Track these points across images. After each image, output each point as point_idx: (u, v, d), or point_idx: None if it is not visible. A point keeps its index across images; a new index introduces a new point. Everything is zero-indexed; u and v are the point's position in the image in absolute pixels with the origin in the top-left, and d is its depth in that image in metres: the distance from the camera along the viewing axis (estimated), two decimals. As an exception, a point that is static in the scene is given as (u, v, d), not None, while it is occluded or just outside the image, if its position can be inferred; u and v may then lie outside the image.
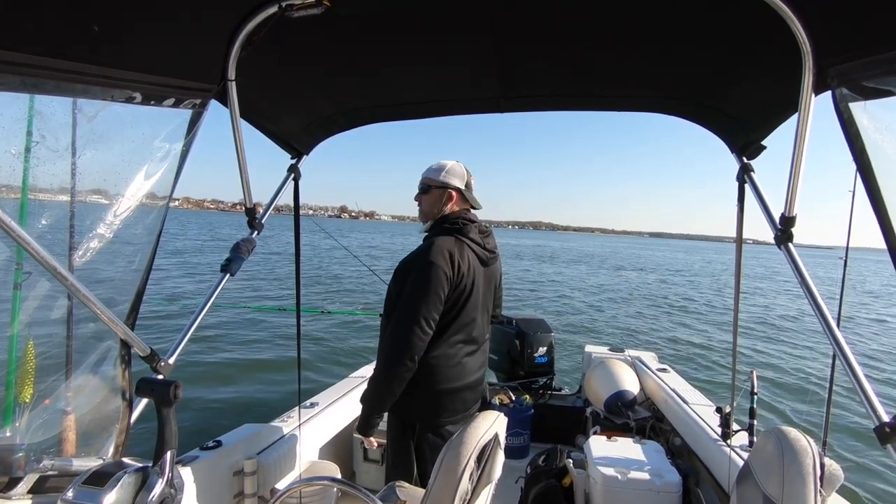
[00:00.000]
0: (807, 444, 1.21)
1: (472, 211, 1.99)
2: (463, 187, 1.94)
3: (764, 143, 1.62)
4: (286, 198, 2.03)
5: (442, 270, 1.74)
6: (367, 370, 3.12)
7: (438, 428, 1.85)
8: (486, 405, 3.05)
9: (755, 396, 2.28)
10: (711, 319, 13.83)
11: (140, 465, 1.04)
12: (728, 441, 2.13)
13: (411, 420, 1.88)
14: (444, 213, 1.93)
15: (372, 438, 1.87)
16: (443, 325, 1.79)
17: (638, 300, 17.23)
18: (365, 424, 1.82)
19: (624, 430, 2.94)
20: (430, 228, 1.94)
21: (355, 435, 2.39)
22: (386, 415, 1.91)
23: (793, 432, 1.25)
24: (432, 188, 1.95)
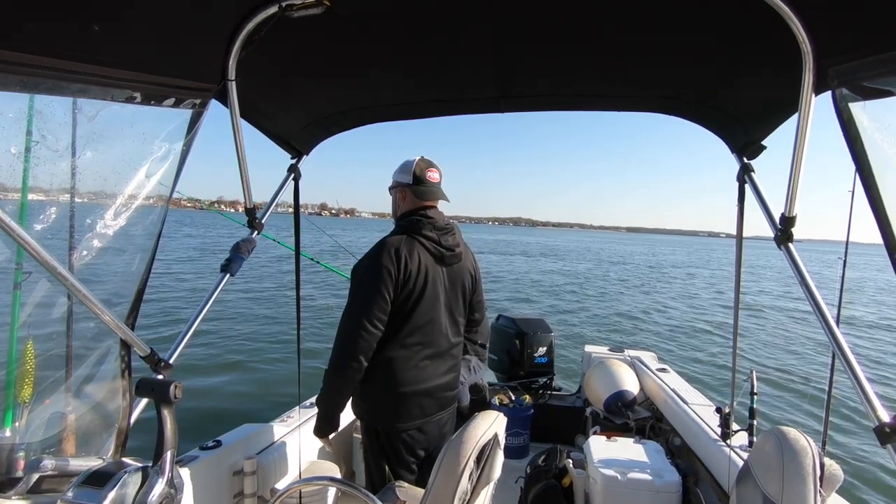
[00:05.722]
0: (806, 444, 1.21)
1: (439, 205, 1.92)
2: (410, 182, 1.86)
3: (764, 143, 1.62)
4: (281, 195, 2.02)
5: (385, 269, 1.69)
6: None
7: (399, 433, 1.79)
8: (486, 405, 3.06)
9: (755, 396, 2.28)
10: (710, 318, 13.83)
11: (140, 464, 1.04)
12: (728, 441, 2.13)
13: (373, 424, 1.85)
14: (403, 211, 1.90)
15: (327, 440, 1.85)
16: (395, 325, 1.74)
17: (633, 297, 17.23)
18: (319, 426, 1.80)
19: (624, 430, 2.93)
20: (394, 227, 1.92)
21: (355, 435, 2.39)
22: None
23: (792, 432, 1.25)
24: (391, 189, 1.97)
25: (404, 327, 1.76)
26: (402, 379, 1.76)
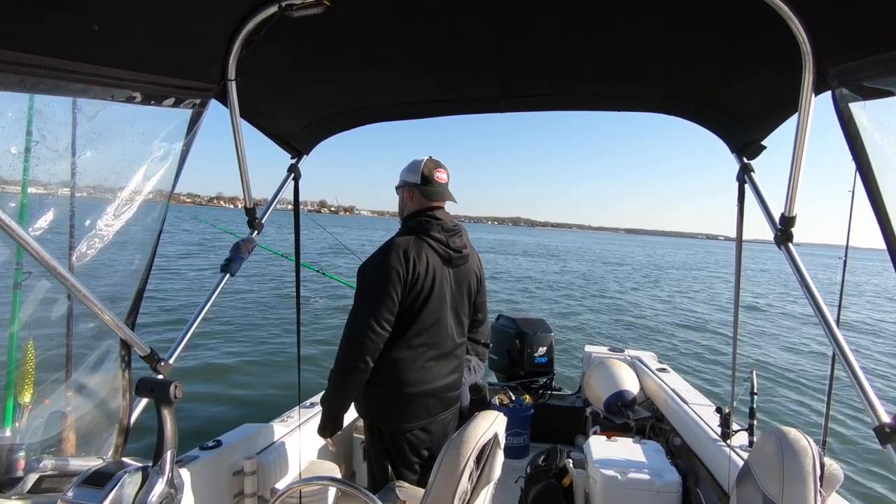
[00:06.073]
0: (806, 444, 1.21)
1: (446, 206, 1.91)
2: (418, 182, 1.86)
3: (764, 143, 1.62)
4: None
5: (394, 270, 1.69)
6: None
7: (404, 433, 1.80)
8: (486, 405, 3.06)
9: (755, 396, 2.28)
10: (710, 318, 13.83)
11: (140, 464, 1.04)
12: (728, 441, 2.13)
13: (377, 424, 1.85)
14: (410, 211, 1.89)
15: (330, 440, 1.85)
16: (402, 326, 1.74)
17: (633, 297, 17.23)
18: (323, 426, 1.80)
19: (624, 430, 2.93)
20: (400, 227, 1.91)
21: (355, 435, 2.38)
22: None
23: (792, 432, 1.25)
24: (398, 188, 1.97)
25: (411, 328, 1.76)
26: (408, 379, 1.76)
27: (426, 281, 1.76)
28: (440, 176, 1.88)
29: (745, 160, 1.63)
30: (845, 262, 2.88)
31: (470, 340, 2.05)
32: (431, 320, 1.79)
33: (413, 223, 1.83)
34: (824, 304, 1.19)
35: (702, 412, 2.62)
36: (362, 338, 1.66)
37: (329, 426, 1.79)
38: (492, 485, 1.37)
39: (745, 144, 1.65)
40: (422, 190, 1.86)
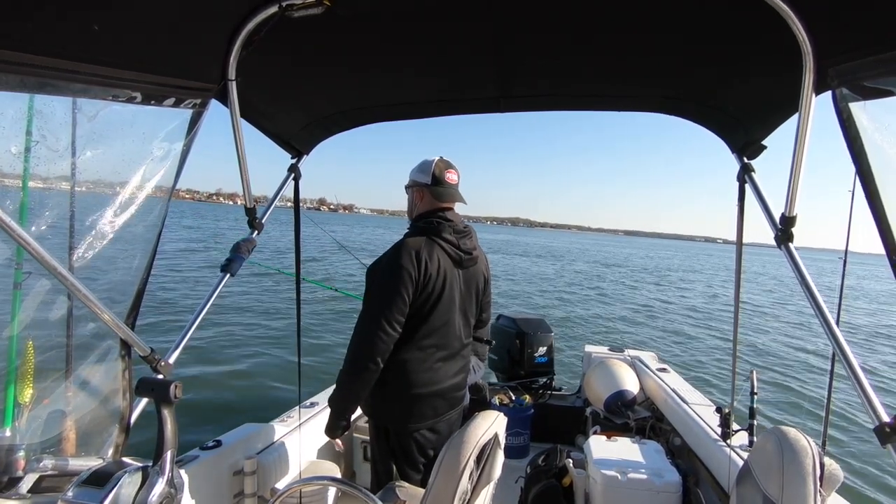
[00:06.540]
0: (806, 444, 1.21)
1: (455, 207, 1.91)
2: (429, 182, 1.85)
3: (764, 142, 1.62)
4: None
5: (406, 271, 1.68)
6: None
7: (411, 433, 1.80)
8: (486, 405, 3.05)
9: (755, 396, 2.28)
10: (710, 318, 13.82)
11: (140, 464, 1.04)
12: (728, 441, 2.13)
13: (383, 423, 1.85)
14: (420, 211, 1.88)
15: (338, 440, 1.86)
16: (412, 327, 1.74)
17: (633, 297, 17.23)
18: (331, 426, 1.80)
19: (624, 430, 2.94)
20: (409, 227, 1.91)
21: (355, 435, 2.38)
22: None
23: (792, 432, 1.25)
24: (408, 188, 1.96)
25: (420, 329, 1.76)
26: (417, 380, 1.76)
27: (437, 282, 1.75)
28: (451, 177, 1.88)
29: (745, 160, 1.63)
30: (845, 261, 2.89)
31: (473, 339, 2.05)
32: (441, 322, 1.79)
33: (424, 224, 1.83)
34: (824, 304, 1.19)
35: (702, 412, 2.62)
36: (373, 338, 1.65)
37: (338, 426, 1.79)
38: (492, 485, 1.37)
39: (746, 144, 1.65)
40: (432, 190, 1.85)
